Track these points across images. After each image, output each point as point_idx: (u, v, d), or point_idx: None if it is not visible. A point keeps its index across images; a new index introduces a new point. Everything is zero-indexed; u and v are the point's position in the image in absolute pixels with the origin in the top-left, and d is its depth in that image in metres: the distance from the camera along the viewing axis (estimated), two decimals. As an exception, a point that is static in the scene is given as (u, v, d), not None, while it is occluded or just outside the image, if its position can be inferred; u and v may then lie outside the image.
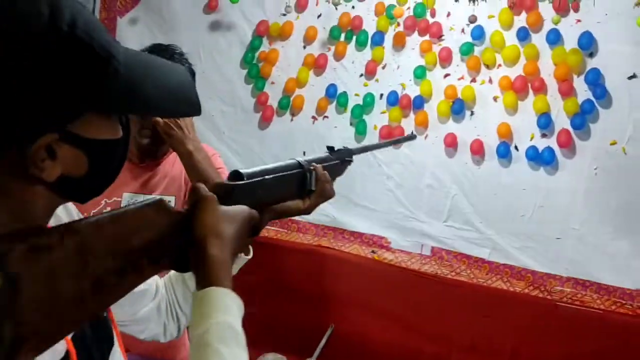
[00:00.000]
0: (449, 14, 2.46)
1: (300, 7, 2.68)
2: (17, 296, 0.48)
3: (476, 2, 2.38)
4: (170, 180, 1.45)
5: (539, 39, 2.32)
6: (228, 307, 0.62)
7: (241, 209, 0.70)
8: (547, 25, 2.30)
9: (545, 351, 2.38)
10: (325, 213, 2.70)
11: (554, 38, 2.28)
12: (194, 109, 0.64)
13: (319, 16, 2.67)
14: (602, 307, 2.33)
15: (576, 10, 2.25)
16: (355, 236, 2.68)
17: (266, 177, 0.75)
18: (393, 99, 2.54)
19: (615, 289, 2.32)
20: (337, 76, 2.65)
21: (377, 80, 2.59)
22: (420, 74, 2.49)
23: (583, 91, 2.28)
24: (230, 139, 2.80)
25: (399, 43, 2.53)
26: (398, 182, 2.60)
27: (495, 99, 2.42)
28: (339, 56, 2.64)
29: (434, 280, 2.55)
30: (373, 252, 2.65)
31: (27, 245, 0.51)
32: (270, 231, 2.76)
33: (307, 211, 0.87)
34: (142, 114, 0.67)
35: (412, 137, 1.31)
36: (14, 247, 0.49)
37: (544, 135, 2.37)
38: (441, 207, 2.55)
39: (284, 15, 2.71)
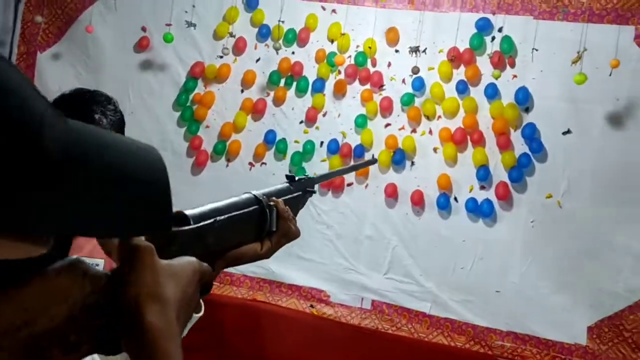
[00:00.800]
0: (389, 64, 2.45)
1: (238, 49, 2.60)
2: None
3: (417, 54, 2.39)
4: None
5: (477, 93, 2.35)
6: None
7: (187, 262, 0.54)
8: (485, 80, 2.34)
9: (486, 409, 2.32)
10: (260, 265, 2.56)
11: (492, 92, 2.32)
12: (163, 223, 0.46)
13: (257, 60, 2.60)
14: (542, 361, 2.31)
15: (512, 65, 2.31)
16: (293, 289, 2.55)
17: (218, 218, 0.63)
18: (334, 147, 2.48)
19: (554, 344, 2.31)
20: (276, 122, 2.57)
21: (317, 128, 2.53)
22: (361, 122, 2.45)
23: (520, 145, 2.31)
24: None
25: (340, 91, 2.49)
26: (338, 232, 2.51)
27: (435, 150, 2.42)
28: (278, 102, 2.56)
29: (375, 336, 2.46)
30: (311, 306, 2.53)
31: None
32: (201, 284, 2.58)
33: (266, 255, 0.77)
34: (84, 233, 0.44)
35: (373, 161, 1.21)
36: None
37: (482, 187, 2.37)
38: (381, 259, 2.48)
39: (221, 57, 2.61)
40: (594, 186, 2.24)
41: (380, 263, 2.49)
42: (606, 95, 2.19)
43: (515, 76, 2.31)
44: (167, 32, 2.54)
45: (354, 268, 2.51)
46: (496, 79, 2.28)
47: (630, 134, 2.19)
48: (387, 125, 2.46)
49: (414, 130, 2.43)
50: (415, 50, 2.38)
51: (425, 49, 2.39)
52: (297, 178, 0.85)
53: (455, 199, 2.40)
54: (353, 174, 2.49)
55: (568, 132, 2.26)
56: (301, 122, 2.55)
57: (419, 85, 2.39)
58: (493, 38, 2.31)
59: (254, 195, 0.72)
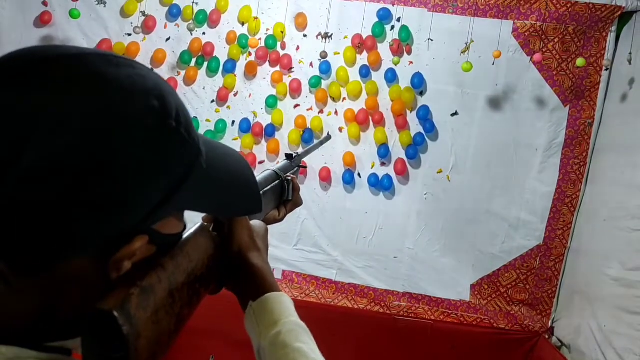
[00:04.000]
0: (298, 48, 2.58)
1: (148, 28, 2.60)
2: (138, 341, 0.48)
3: (324, 40, 2.55)
4: None
5: (378, 77, 2.56)
6: (289, 307, 0.65)
7: (260, 223, 0.73)
8: (385, 65, 2.55)
9: (385, 362, 2.59)
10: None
11: (391, 77, 2.54)
12: (258, 206, 0.63)
13: (167, 39, 2.62)
14: (433, 317, 2.62)
15: (409, 53, 2.54)
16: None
17: (263, 190, 0.80)
18: (245, 127, 2.59)
19: (443, 301, 2.62)
20: (187, 101, 2.61)
21: (229, 107, 2.61)
22: (272, 103, 2.57)
23: (415, 125, 2.57)
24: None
25: (251, 72, 2.59)
26: (250, 208, 2.63)
27: (340, 129, 2.60)
28: (189, 81, 2.61)
29: (285, 303, 2.62)
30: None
31: (139, 289, 0.50)
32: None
33: (281, 219, 0.90)
34: (213, 213, 0.63)
35: (329, 137, 1.38)
36: (130, 293, 0.49)
37: (383, 164, 2.60)
38: (291, 232, 2.65)
39: (129, 35, 2.60)
40: (475, 162, 2.56)
41: (291, 235, 2.65)
42: (488, 82, 2.49)
43: (411, 62, 2.54)
44: (74, 8, 2.48)
45: (265, 241, 2.64)
46: (395, 65, 2.50)
47: (506, 115, 2.51)
48: (296, 105, 2.60)
49: (321, 111, 2.60)
50: (325, 36, 2.53)
51: (332, 34, 2.55)
52: (293, 155, 1.01)
53: (359, 174, 2.62)
54: (264, 151, 2.61)
55: (455, 113, 2.54)
56: (212, 101, 2.62)
57: (325, 68, 2.55)
58: (392, 27, 2.52)
59: (275, 171, 0.88)
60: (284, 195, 0.88)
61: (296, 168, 0.99)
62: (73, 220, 0.44)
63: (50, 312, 0.50)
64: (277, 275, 2.65)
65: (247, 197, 0.62)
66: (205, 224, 0.64)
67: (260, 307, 0.64)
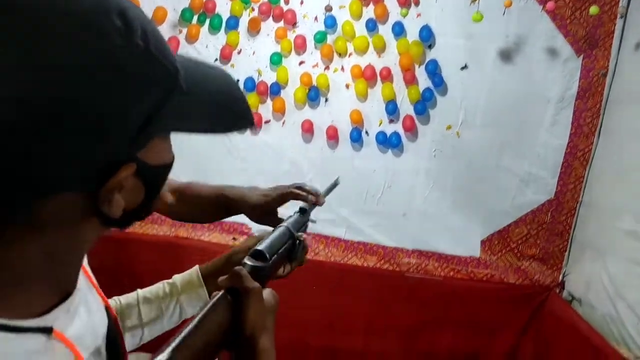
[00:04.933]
0: (302, 2, 2.50)
1: (146, -15, 2.52)
2: None
3: (329, -8, 2.46)
4: None
5: (385, 30, 2.49)
6: None
7: (272, 295, 0.74)
8: (393, 18, 2.47)
9: (396, 319, 2.61)
10: (182, 202, 2.61)
11: (399, 30, 2.46)
12: (249, 122, 0.62)
13: (167, -4, 2.54)
14: (442, 274, 2.61)
15: (417, 4, 2.45)
16: (215, 225, 2.64)
17: (279, 252, 0.83)
18: (250, 85, 2.53)
19: (453, 257, 2.62)
20: (190, 60, 2.55)
21: (232, 66, 2.55)
22: (276, 60, 2.51)
23: (424, 80, 2.50)
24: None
25: (254, 28, 2.52)
26: (257, 169, 2.61)
27: (347, 86, 2.55)
28: (191, 39, 2.54)
29: (295, 262, 2.62)
30: (234, 239, 2.64)
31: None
32: (122, 224, 2.59)
33: (285, 276, 0.93)
34: (203, 132, 0.62)
35: (336, 183, 1.40)
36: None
37: (391, 121, 2.56)
38: (299, 191, 2.62)
39: (128, -8, 2.52)
40: (485, 116, 2.50)
41: (298, 195, 2.62)
42: (499, 33, 2.42)
43: (419, 15, 2.46)
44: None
45: (273, 201, 2.63)
46: (403, 17, 2.42)
47: (517, 67, 2.44)
48: (301, 62, 2.54)
49: (327, 68, 2.54)
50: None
51: (337, -13, 2.47)
52: (306, 208, 1.06)
53: (367, 132, 2.57)
54: (270, 110, 2.57)
55: (465, 67, 2.48)
56: (216, 59, 2.56)
57: (331, 23, 2.48)
58: (399, -22, 2.43)
59: (288, 229, 0.91)
60: (292, 253, 0.91)
61: (307, 222, 1.01)
62: (52, 155, 0.44)
63: (52, 259, 0.50)
64: (286, 235, 2.64)
65: (236, 114, 0.60)
66: (223, 293, 0.68)
67: None
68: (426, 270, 2.62)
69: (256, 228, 2.62)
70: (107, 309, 0.69)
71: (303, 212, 1.03)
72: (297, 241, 0.91)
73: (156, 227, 2.63)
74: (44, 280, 0.52)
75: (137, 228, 2.60)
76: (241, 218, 2.60)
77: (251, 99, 2.54)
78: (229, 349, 0.68)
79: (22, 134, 0.41)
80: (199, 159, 2.60)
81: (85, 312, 0.62)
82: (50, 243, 0.50)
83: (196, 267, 0.98)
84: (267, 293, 0.73)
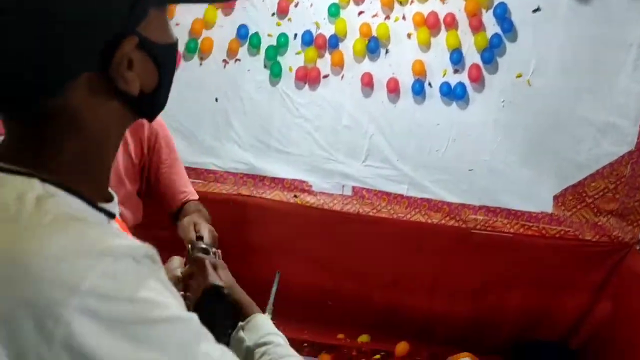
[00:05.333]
0: (360, -51, 2.40)
1: (202, -60, 2.48)
2: None
3: (388, -64, 2.34)
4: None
5: (449, -26, 2.35)
6: (269, 325, 0.81)
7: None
8: (457, -40, 2.33)
9: (462, 278, 2.53)
10: (243, 160, 2.62)
11: (463, -27, 2.31)
12: None
13: (223, -50, 2.49)
14: (512, 230, 2.50)
15: (483, -56, 2.29)
16: (276, 182, 2.63)
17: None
18: (308, 39, 2.47)
19: (523, 213, 2.49)
20: (247, 16, 2.52)
21: (290, 20, 2.50)
22: (334, 12, 2.43)
23: (491, 25, 2.35)
24: (133, 87, 2.59)
25: (311, -21, 2.44)
26: (316, 124, 2.57)
27: (409, 35, 2.44)
28: (248, -7, 2.50)
29: (357, 219, 2.59)
30: (295, 196, 2.63)
31: None
32: (185, 183, 2.63)
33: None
34: (195, 1, 0.69)
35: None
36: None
37: (456, 71, 2.43)
38: (360, 148, 2.57)
39: (184, -51, 2.49)
40: (560, 62, 2.33)
41: (359, 151, 2.57)
42: (574, -29, 2.22)
43: (486, -45, 2.30)
44: None
45: (333, 158, 2.59)
46: (468, -42, 2.27)
47: (595, 8, 2.25)
48: (361, 12, 2.45)
49: (387, 17, 2.43)
50: None
51: None
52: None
53: (430, 84, 2.46)
54: (328, 64, 2.50)
55: (537, 9, 2.30)
56: (273, 14, 2.51)
57: (390, -31, 2.36)
58: None
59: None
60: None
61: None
62: (56, 39, 0.48)
63: (86, 144, 0.55)
64: (347, 192, 2.60)
65: None
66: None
67: (252, 322, 0.79)
68: (494, 227, 2.52)
69: (316, 186, 2.60)
70: None
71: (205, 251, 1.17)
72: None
73: (219, 186, 2.66)
74: (88, 174, 0.57)
75: (201, 186, 2.63)
76: (302, 175, 2.59)
77: (309, 53, 2.48)
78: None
79: (30, 19, 0.47)
80: (261, 118, 2.58)
81: None
82: (86, 130, 0.55)
83: None
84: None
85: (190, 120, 2.60)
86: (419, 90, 2.45)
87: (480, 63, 2.39)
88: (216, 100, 2.59)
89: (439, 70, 2.44)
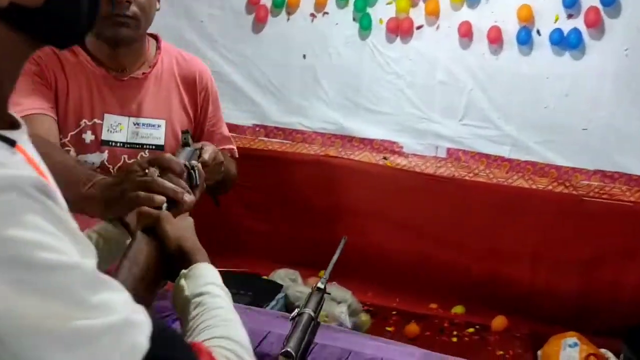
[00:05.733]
0: None
1: None
2: None
3: None
4: (156, 101, 1.23)
5: None
6: (212, 275, 0.72)
7: (185, 218, 0.83)
8: None
9: (570, 249, 2.27)
10: (331, 120, 2.52)
11: None
12: None
13: None
14: (632, 199, 2.19)
15: None
16: (365, 143, 2.51)
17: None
18: (400, -14, 2.29)
19: (646, 179, 2.17)
20: (334, -35, 2.38)
21: (380, -34, 2.32)
22: (428, -46, 2.22)
23: (615, -40, 2.02)
24: (223, 46, 2.56)
25: None
26: (408, 81, 2.39)
27: (513, -24, 2.17)
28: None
29: (451, 184, 2.41)
30: (385, 158, 2.49)
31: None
32: (274, 144, 2.59)
33: (192, 208, 0.93)
34: None
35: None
36: None
37: (570, 16, 2.14)
38: (456, 105, 2.36)
39: None
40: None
41: (455, 109, 2.37)
42: None
43: None
44: None
45: (427, 117, 2.41)
46: None
47: None
48: (458, -47, 2.21)
49: (489, -43, 2.18)
50: None
51: None
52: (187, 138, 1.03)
53: (538, 31, 2.19)
54: (422, 14, 2.31)
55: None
56: (363, -39, 2.34)
57: None
58: None
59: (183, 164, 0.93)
60: (192, 182, 0.94)
61: (196, 150, 1.02)
62: None
63: None
64: (442, 153, 2.42)
65: None
66: (142, 233, 0.73)
67: (194, 271, 0.71)
68: (610, 194, 2.22)
69: (407, 148, 2.45)
70: None
71: (185, 144, 1.04)
72: (192, 170, 0.95)
73: (307, 146, 2.58)
74: None
75: (288, 147, 2.58)
76: (392, 135, 2.45)
77: (401, 2, 2.31)
78: (168, 277, 0.75)
79: None
80: (350, 74, 2.46)
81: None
82: None
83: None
84: (179, 218, 0.81)
85: (278, 79, 2.53)
86: (525, 39, 2.19)
87: (600, 6, 2.08)
88: (304, 57, 2.50)
89: (550, 15, 2.16)
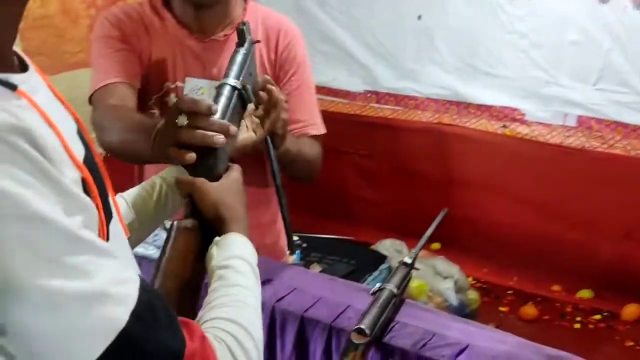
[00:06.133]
0: None
1: None
2: None
3: None
4: None
5: None
6: (241, 247, 0.66)
7: (231, 179, 0.73)
8: None
9: None
10: (446, 85, 2.38)
11: None
12: None
13: None
14: None
15: None
16: (482, 110, 2.35)
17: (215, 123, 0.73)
18: None
19: None
20: None
21: None
22: None
23: None
24: (335, 9, 2.51)
25: None
26: (534, 41, 2.18)
27: None
28: None
29: (581, 155, 2.19)
30: (504, 126, 2.32)
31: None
32: (385, 110, 2.52)
33: (261, 139, 0.87)
34: None
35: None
36: None
37: None
38: (590, 67, 2.12)
39: None
40: None
41: (589, 72, 2.13)
42: None
43: None
44: None
45: (554, 81, 2.19)
46: None
47: None
48: None
49: None
50: None
51: None
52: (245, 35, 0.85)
53: (696, -23, 1.86)
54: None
55: None
56: None
57: None
58: None
59: (229, 85, 0.77)
60: (245, 103, 0.78)
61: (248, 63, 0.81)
62: None
63: None
64: (571, 122, 2.19)
65: None
66: (178, 223, 0.67)
67: (224, 240, 0.66)
68: None
69: (530, 115, 2.25)
70: (82, 131, 0.56)
71: (241, 44, 0.83)
72: (243, 90, 0.78)
73: (419, 113, 2.47)
74: None
75: (400, 113, 2.49)
76: (513, 102, 2.26)
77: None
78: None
79: None
80: (468, 35, 2.30)
81: (56, 110, 0.51)
82: None
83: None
84: (228, 180, 0.73)
85: (390, 42, 2.44)
86: (679, -14, 1.87)
87: None
88: (419, 17, 2.37)
89: None
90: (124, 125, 1.01)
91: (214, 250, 0.65)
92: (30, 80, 0.48)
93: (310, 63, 1.24)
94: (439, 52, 2.37)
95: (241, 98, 0.77)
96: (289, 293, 1.01)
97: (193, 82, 1.13)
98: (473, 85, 2.33)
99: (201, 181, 0.69)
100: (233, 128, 0.74)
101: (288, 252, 1.25)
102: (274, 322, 0.99)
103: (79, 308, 0.41)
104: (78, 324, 0.41)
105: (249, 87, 0.78)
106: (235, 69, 0.79)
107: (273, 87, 0.91)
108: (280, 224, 1.28)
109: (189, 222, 0.67)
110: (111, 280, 0.44)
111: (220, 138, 0.71)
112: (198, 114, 0.71)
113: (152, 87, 1.14)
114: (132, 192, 0.81)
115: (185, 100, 0.74)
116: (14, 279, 0.39)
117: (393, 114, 2.51)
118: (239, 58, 0.81)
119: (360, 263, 2.10)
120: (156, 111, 1.15)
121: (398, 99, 2.48)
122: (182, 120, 0.73)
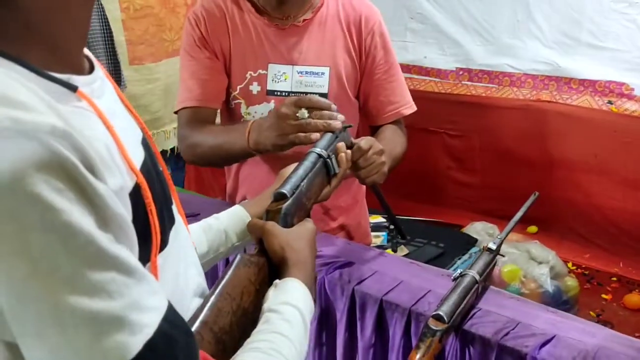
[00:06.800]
0: None
1: None
2: None
3: None
4: (320, 47, 1.20)
5: None
6: (296, 294, 0.65)
7: (304, 228, 0.74)
8: None
9: None
10: (545, 60, 2.25)
11: None
12: None
13: None
14: None
15: None
16: (585, 85, 2.20)
17: (301, 183, 0.79)
18: None
19: None
20: None
21: None
22: None
23: None
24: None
25: None
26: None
27: None
28: None
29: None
30: (610, 102, 2.16)
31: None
32: (477, 88, 2.43)
33: (327, 197, 0.89)
34: None
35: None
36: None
37: None
38: None
39: None
40: None
41: None
42: None
43: None
44: None
45: (668, 52, 1.99)
46: None
47: None
48: None
49: None
50: None
51: None
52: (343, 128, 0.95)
53: None
54: None
55: None
56: None
57: None
58: None
59: (316, 152, 0.85)
60: (330, 172, 0.87)
61: (342, 134, 0.92)
62: None
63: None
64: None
65: None
66: (243, 255, 0.68)
67: (282, 284, 0.65)
68: None
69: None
70: (147, 139, 0.57)
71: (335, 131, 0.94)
72: (328, 159, 0.86)
73: (515, 90, 2.36)
74: (42, 38, 0.45)
75: (494, 91, 2.39)
76: (619, 76, 2.10)
77: None
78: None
79: None
80: (570, 6, 2.16)
81: (120, 116, 0.52)
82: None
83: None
84: (301, 228, 0.74)
85: (485, 15, 2.34)
86: None
87: None
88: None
89: None
90: (211, 134, 1.14)
91: (270, 291, 0.64)
92: (94, 84, 0.49)
93: (390, 42, 1.24)
94: (537, 25, 2.24)
95: (326, 166, 0.87)
96: (370, 276, 1.02)
97: (275, 68, 1.16)
98: (575, 59, 2.18)
99: (271, 224, 0.71)
100: (341, 116, 0.91)
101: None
102: (354, 304, 1.00)
103: (90, 332, 0.38)
104: (84, 349, 0.39)
105: (333, 157, 0.88)
106: (324, 142, 0.90)
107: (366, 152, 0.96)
108: (362, 205, 1.32)
109: (254, 257, 0.68)
110: (132, 305, 0.41)
111: (337, 123, 0.90)
112: (318, 108, 0.91)
113: (235, 78, 1.18)
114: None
115: (304, 98, 0.95)
116: (29, 290, 0.37)
117: (486, 91, 2.41)
118: (327, 137, 0.91)
119: (449, 246, 2.06)
120: (242, 100, 1.19)
121: (492, 76, 2.38)
122: (303, 113, 0.93)
